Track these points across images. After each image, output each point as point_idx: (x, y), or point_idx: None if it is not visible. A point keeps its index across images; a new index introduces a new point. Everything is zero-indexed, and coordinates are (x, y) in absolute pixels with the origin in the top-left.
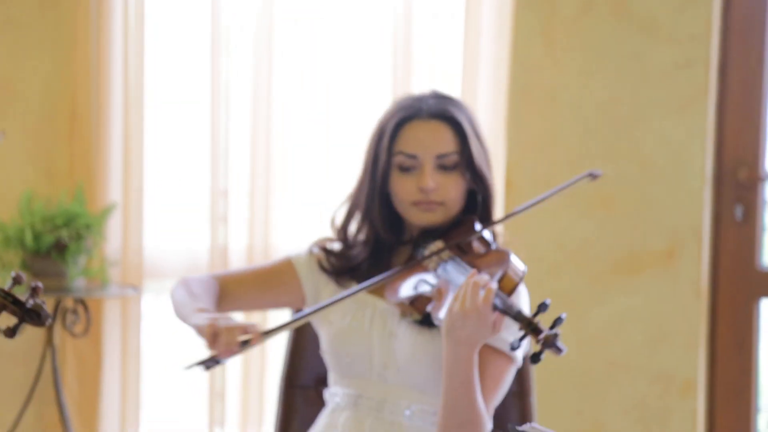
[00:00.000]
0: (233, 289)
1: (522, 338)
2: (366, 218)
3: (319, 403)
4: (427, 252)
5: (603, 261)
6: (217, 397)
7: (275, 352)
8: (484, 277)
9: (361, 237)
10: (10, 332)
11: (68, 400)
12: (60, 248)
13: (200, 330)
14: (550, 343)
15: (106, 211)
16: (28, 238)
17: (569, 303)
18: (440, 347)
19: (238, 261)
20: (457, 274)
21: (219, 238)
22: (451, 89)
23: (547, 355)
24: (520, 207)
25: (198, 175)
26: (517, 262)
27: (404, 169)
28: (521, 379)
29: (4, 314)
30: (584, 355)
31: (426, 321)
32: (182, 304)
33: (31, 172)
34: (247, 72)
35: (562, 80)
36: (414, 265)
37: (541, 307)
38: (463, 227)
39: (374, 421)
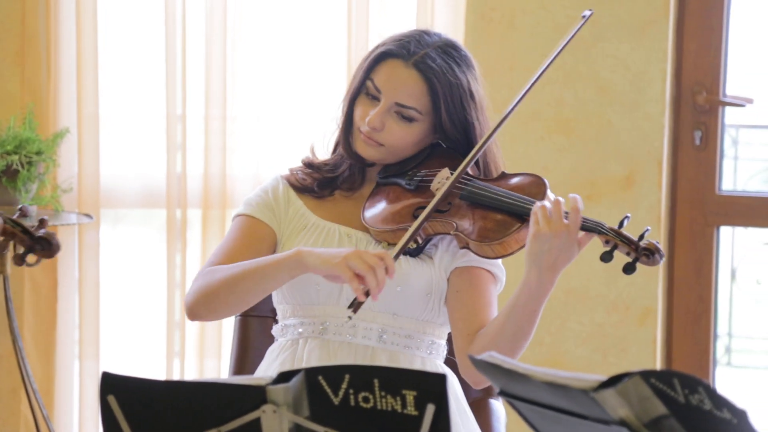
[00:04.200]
0: None
1: (612, 250)
2: (340, 131)
3: None
4: (437, 180)
5: (561, 187)
6: (175, 327)
7: None
8: (561, 198)
9: (340, 150)
10: (19, 259)
11: (24, 331)
12: (10, 174)
13: (339, 274)
14: (653, 249)
15: (58, 136)
16: None
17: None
18: (421, 274)
19: (195, 188)
20: (491, 196)
21: (176, 165)
22: (407, 14)
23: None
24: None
25: (154, 101)
26: (549, 187)
27: (369, 96)
28: None
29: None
30: None
31: (416, 250)
32: (245, 272)
33: None
34: None
35: (519, 4)
36: (423, 196)
37: (626, 219)
38: (438, 158)
39: (346, 346)
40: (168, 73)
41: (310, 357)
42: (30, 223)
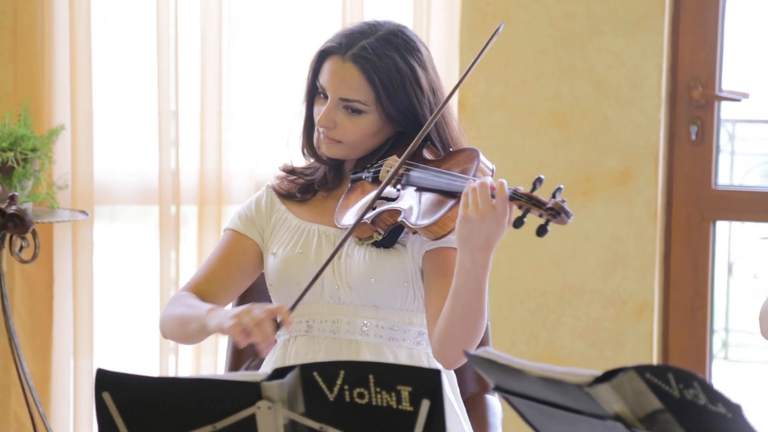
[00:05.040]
0: (209, 290)
1: (524, 215)
2: (306, 143)
3: None
4: (384, 169)
5: (557, 182)
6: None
7: None
8: (487, 178)
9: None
10: None
11: (18, 328)
12: (6, 171)
13: (229, 332)
14: (558, 209)
15: (54, 133)
16: None
17: (523, 226)
18: (394, 264)
19: (190, 184)
20: (429, 178)
21: (170, 161)
22: (404, 8)
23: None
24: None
25: (147, 97)
26: (484, 158)
27: (322, 96)
28: None
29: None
30: (539, 278)
31: (384, 241)
32: (187, 318)
33: None
34: None
35: None
36: (373, 187)
37: (538, 182)
38: (401, 147)
39: (330, 342)
40: (161, 69)
41: (297, 355)
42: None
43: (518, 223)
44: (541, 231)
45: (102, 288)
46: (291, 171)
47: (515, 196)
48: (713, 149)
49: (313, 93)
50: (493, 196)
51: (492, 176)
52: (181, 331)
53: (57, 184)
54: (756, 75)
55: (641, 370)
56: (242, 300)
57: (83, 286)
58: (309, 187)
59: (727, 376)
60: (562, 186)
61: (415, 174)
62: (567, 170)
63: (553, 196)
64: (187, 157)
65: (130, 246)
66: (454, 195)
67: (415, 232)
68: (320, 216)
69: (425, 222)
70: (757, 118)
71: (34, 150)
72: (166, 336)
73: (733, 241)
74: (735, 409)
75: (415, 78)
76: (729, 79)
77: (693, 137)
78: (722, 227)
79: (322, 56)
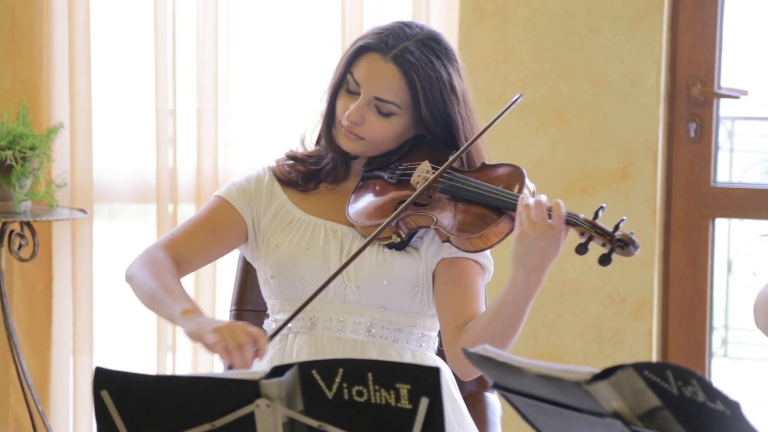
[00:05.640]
0: (184, 254)
1: (587, 242)
2: (323, 124)
3: None
4: (417, 174)
5: (556, 180)
6: (168, 322)
7: (226, 277)
8: (541, 196)
9: (323, 142)
10: None
11: (18, 326)
12: (4, 170)
13: (211, 348)
14: (627, 241)
15: (52, 132)
16: None
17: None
18: (407, 267)
19: (188, 183)
20: (470, 189)
21: (168, 159)
22: (403, 5)
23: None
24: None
25: (145, 95)
26: (528, 178)
27: (350, 92)
28: None
29: None
30: None
31: (400, 244)
32: (159, 299)
33: None
34: None
35: None
36: (404, 189)
37: (601, 210)
38: (421, 150)
39: (335, 342)
40: (159, 67)
41: (300, 352)
42: (23, 218)
43: (582, 249)
44: (605, 260)
45: (101, 286)
46: (293, 157)
47: (578, 222)
48: (712, 146)
49: (340, 84)
50: (549, 217)
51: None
52: (149, 303)
53: (56, 183)
54: (755, 72)
55: (639, 367)
56: (241, 297)
57: (82, 285)
58: (312, 176)
59: (726, 374)
60: (625, 217)
61: (454, 183)
62: (565, 168)
63: (617, 227)
64: (184, 156)
65: (129, 244)
66: (499, 210)
67: (446, 240)
68: (326, 211)
69: (467, 234)
70: (756, 115)
71: (32, 148)
72: (132, 289)
73: (732, 238)
74: (733, 407)
75: (451, 86)
76: (728, 76)
77: (692, 135)
78: (722, 224)
79: (361, 51)
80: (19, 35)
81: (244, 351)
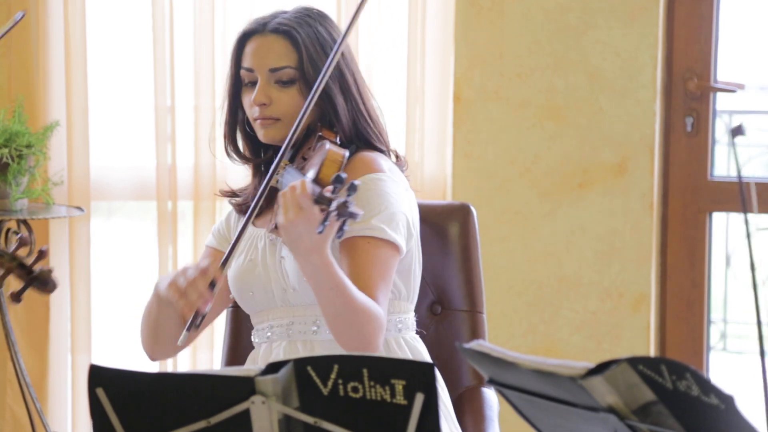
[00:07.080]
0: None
1: (326, 217)
2: (228, 141)
3: None
4: (273, 167)
5: (553, 175)
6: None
7: None
8: (297, 183)
9: (230, 150)
10: (16, 298)
11: (15, 324)
12: (1, 168)
13: (167, 297)
14: (342, 212)
15: (49, 129)
16: None
17: (520, 218)
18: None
19: (186, 180)
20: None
21: (166, 157)
22: (399, 2)
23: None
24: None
25: (143, 92)
26: (336, 149)
27: (249, 84)
28: (471, 297)
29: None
30: (536, 271)
31: None
32: (147, 308)
33: None
34: None
35: None
36: (267, 185)
37: (337, 180)
38: (312, 140)
39: (309, 344)
40: (157, 64)
41: (278, 358)
42: (20, 216)
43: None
44: (339, 233)
45: (99, 284)
46: (232, 194)
47: (324, 198)
48: (709, 140)
49: (238, 86)
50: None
51: (341, 165)
52: (149, 326)
53: (52, 181)
54: (751, 66)
55: (634, 361)
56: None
57: (80, 282)
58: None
59: (725, 368)
60: (356, 182)
61: (285, 178)
62: (562, 163)
63: (340, 192)
64: (182, 153)
65: (127, 242)
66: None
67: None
68: (268, 220)
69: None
70: (753, 109)
71: (28, 146)
72: (145, 349)
73: (731, 232)
74: (728, 400)
75: (333, 40)
76: (724, 70)
77: (689, 129)
78: (720, 218)
79: (242, 42)
80: (15, 32)
81: (196, 283)
